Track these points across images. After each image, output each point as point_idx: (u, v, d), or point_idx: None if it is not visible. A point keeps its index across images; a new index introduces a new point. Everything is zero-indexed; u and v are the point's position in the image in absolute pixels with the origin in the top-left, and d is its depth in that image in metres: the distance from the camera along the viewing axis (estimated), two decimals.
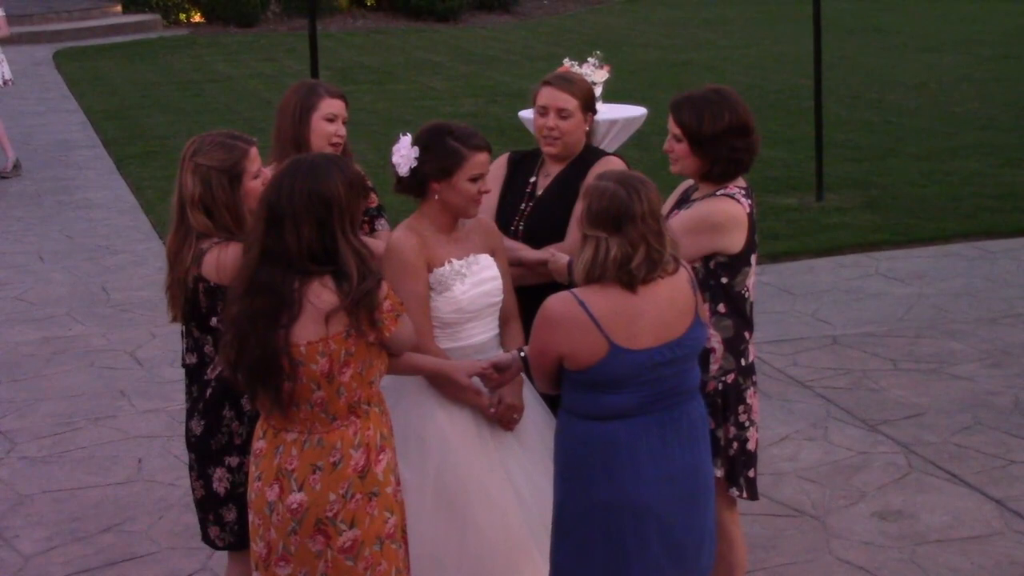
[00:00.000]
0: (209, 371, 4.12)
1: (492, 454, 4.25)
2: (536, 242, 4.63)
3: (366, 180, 4.76)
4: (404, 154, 4.17)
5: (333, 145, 4.70)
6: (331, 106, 4.75)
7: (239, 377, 3.70)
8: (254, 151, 4.12)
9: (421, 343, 4.15)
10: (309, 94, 4.76)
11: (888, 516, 5.65)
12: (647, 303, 3.67)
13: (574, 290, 3.72)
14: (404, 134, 4.21)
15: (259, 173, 4.10)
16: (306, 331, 3.60)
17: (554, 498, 3.84)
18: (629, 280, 3.64)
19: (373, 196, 4.88)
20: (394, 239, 4.24)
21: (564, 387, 3.77)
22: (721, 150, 4.26)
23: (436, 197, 4.21)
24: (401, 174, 4.20)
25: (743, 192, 4.34)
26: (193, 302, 4.06)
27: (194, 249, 4.01)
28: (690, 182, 4.50)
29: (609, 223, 3.62)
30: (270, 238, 3.62)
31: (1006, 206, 10.64)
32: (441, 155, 4.17)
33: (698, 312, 3.80)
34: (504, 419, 4.29)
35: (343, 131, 4.77)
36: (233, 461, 4.13)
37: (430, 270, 4.22)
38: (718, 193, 4.32)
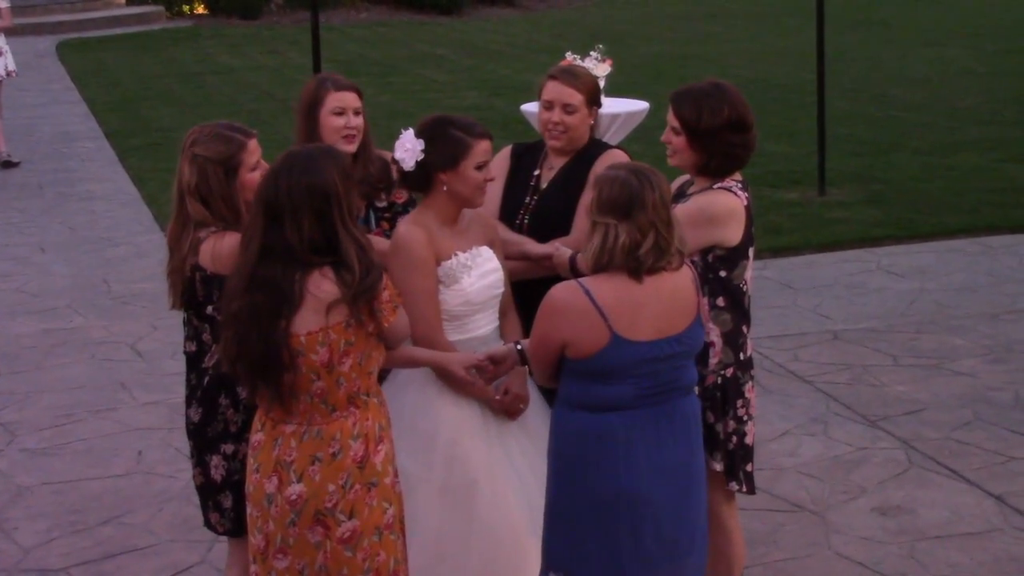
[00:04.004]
0: (207, 359, 4.14)
1: (497, 446, 4.27)
2: (541, 236, 4.63)
3: (392, 169, 4.67)
4: (409, 148, 4.16)
5: (345, 138, 4.63)
6: (337, 100, 4.66)
7: (240, 372, 3.70)
8: (253, 143, 4.13)
9: (432, 337, 4.18)
10: (316, 89, 4.70)
11: (888, 512, 5.65)
12: (651, 295, 3.68)
13: (580, 279, 3.74)
14: (405, 129, 4.20)
15: (258, 165, 4.10)
16: (306, 321, 3.60)
17: (547, 488, 3.85)
18: (636, 267, 3.65)
19: (403, 192, 4.78)
20: (401, 234, 4.23)
21: (562, 378, 3.78)
22: (718, 145, 4.26)
23: (444, 188, 4.20)
24: (407, 168, 4.19)
25: (740, 185, 4.35)
26: (190, 290, 4.09)
27: (192, 237, 4.04)
28: (686, 177, 4.50)
29: (619, 210, 3.64)
30: (271, 234, 3.61)
31: (1009, 201, 10.62)
32: (446, 145, 4.17)
33: (699, 313, 3.81)
34: (510, 409, 4.30)
35: (354, 122, 4.66)
36: (228, 449, 4.16)
37: (438, 264, 4.22)
38: (715, 186, 4.33)
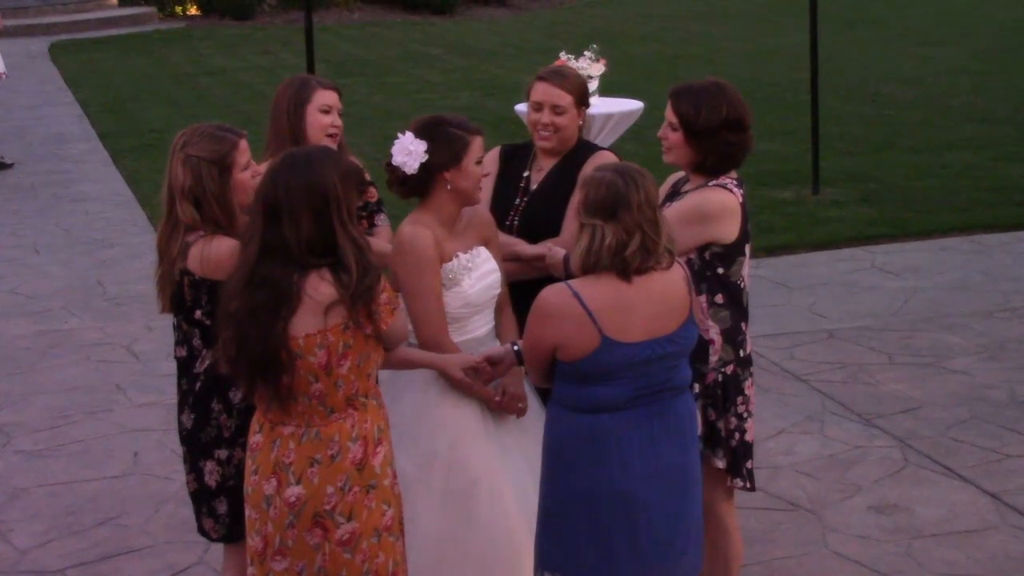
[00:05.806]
0: (198, 364, 4.13)
1: (496, 447, 4.27)
2: (531, 237, 4.63)
3: (365, 173, 4.77)
4: (412, 150, 4.14)
5: (330, 136, 4.70)
6: (325, 97, 4.74)
7: (238, 372, 3.69)
8: (244, 143, 4.13)
9: (439, 338, 4.18)
10: (302, 88, 4.77)
11: (884, 510, 5.66)
12: (641, 296, 3.68)
13: (569, 281, 3.74)
14: (403, 133, 4.18)
15: (248, 165, 4.11)
16: (304, 324, 3.60)
17: (540, 488, 3.86)
18: (623, 268, 3.66)
19: (373, 191, 4.87)
20: (408, 235, 4.21)
21: (555, 379, 3.79)
22: (715, 143, 4.27)
23: (448, 187, 4.20)
24: (410, 172, 4.16)
25: (735, 182, 4.36)
26: (179, 295, 4.08)
27: (181, 241, 4.03)
28: (680, 174, 4.51)
29: (605, 211, 3.65)
30: (269, 233, 3.61)
31: (1002, 199, 10.64)
32: (447, 143, 4.17)
33: (692, 311, 3.81)
34: (509, 409, 4.30)
35: (339, 122, 4.76)
36: (222, 454, 4.14)
37: (441, 265, 4.22)
38: (710, 184, 4.34)
